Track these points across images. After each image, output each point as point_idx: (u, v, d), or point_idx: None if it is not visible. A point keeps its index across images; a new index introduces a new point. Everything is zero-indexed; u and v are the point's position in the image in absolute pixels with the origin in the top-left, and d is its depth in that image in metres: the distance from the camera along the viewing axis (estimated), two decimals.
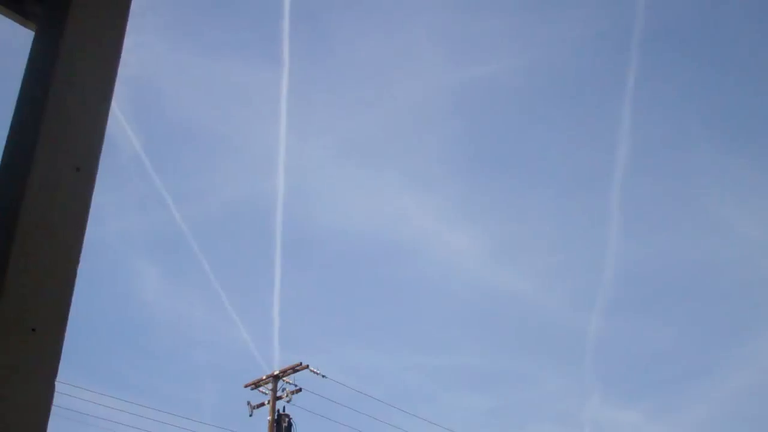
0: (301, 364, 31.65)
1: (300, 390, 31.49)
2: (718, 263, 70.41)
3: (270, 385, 31.66)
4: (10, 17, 1.97)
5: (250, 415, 31.62)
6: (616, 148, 61.44)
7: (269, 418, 30.79)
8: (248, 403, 31.73)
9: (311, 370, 31.67)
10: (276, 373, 31.79)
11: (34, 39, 1.92)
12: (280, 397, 31.41)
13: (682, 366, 71.25)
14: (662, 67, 63.34)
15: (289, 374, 31.78)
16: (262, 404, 31.55)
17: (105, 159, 1.81)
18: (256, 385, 31.98)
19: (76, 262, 1.61)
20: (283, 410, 31.08)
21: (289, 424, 30.68)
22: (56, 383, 1.53)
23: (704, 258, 69.29)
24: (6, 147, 1.76)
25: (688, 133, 67.00)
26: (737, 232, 68.42)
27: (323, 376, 31.81)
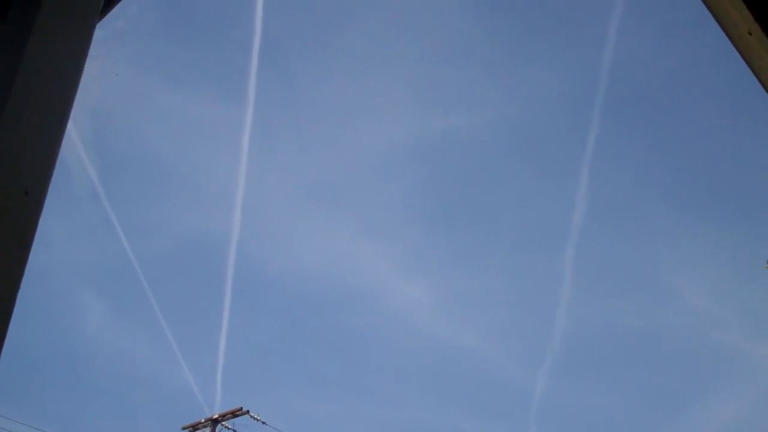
0: (241, 409, 31.11)
1: None
2: (665, 331, 71.45)
3: (208, 429, 31.03)
4: None
5: None
6: (574, 209, 62.38)
7: None
8: None
9: (251, 416, 31.15)
10: (215, 416, 31.18)
11: None
12: None
13: None
14: (623, 131, 64.77)
15: (228, 419, 31.19)
16: None
17: (57, 184, 1.76)
18: (194, 428, 31.32)
19: (17, 287, 1.56)
20: None
21: None
22: None
23: (652, 325, 70.27)
24: None
25: (645, 199, 68.38)
26: (685, 301, 69.60)
27: (263, 423, 31.28)
